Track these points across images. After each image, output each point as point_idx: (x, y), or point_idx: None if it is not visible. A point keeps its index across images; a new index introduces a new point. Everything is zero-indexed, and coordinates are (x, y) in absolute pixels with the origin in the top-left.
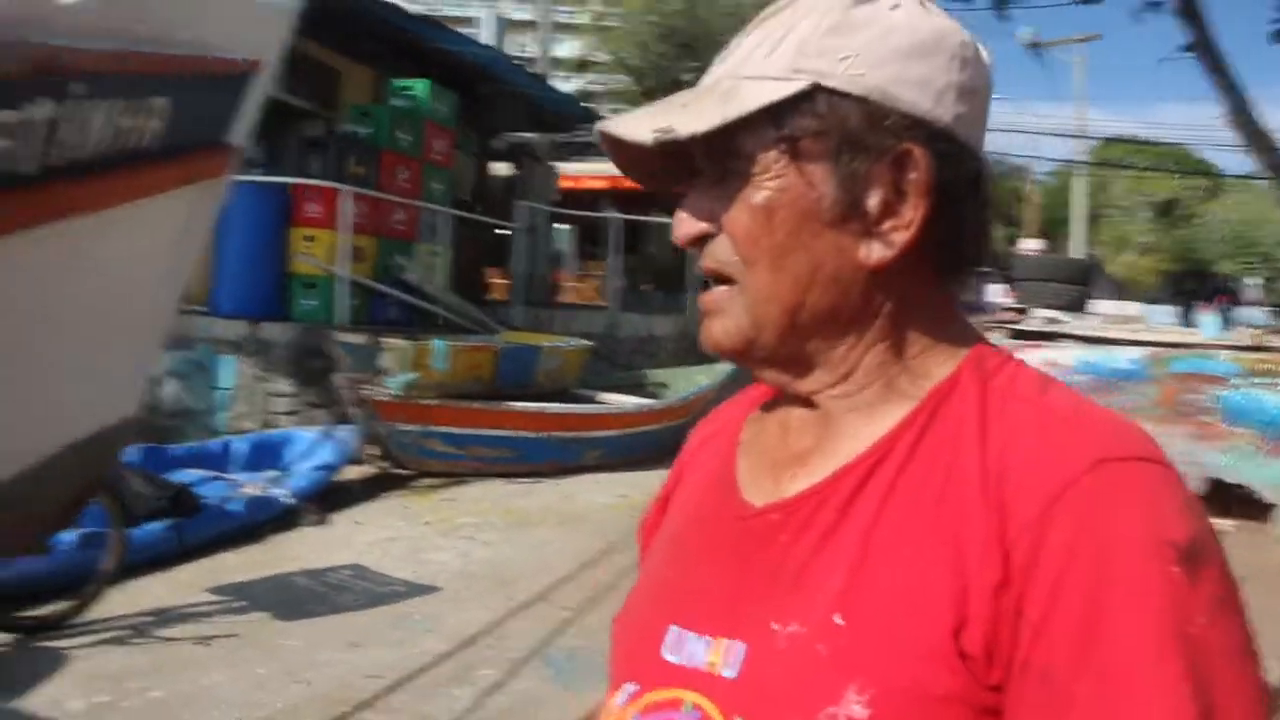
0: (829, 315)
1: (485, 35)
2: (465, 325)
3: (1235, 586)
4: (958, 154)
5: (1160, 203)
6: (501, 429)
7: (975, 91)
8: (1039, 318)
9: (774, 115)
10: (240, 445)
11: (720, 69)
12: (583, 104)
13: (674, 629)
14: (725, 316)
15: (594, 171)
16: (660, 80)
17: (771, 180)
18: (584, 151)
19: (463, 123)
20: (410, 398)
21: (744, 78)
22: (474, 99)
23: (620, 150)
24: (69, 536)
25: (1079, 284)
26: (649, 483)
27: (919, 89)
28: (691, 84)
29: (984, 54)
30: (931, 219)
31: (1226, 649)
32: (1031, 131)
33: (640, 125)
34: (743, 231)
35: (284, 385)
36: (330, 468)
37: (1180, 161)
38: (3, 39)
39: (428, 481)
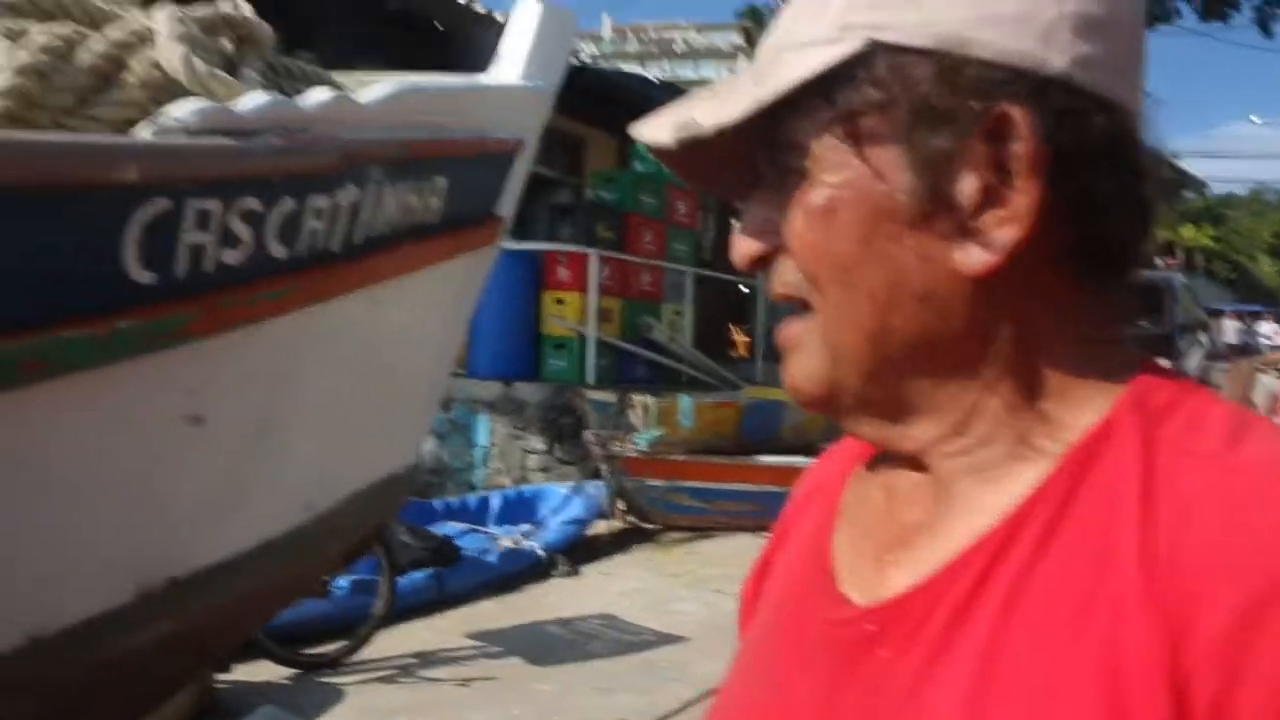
0: (924, 344)
1: None
2: (710, 382)
3: None
4: (1083, 109)
5: None
6: (748, 483)
7: (1108, 23)
8: None
9: (825, 91)
10: (496, 500)
11: (765, 43)
12: None
13: None
14: (803, 354)
15: None
16: None
17: (829, 174)
18: None
19: None
20: (657, 453)
21: (786, 48)
22: None
23: (677, 161)
24: (343, 582)
25: None
26: None
27: (1015, 28)
28: None
29: None
30: (1054, 203)
31: None
32: None
33: (663, 125)
34: (802, 243)
35: (536, 442)
36: (581, 522)
37: None
38: (318, 137)
39: (674, 535)
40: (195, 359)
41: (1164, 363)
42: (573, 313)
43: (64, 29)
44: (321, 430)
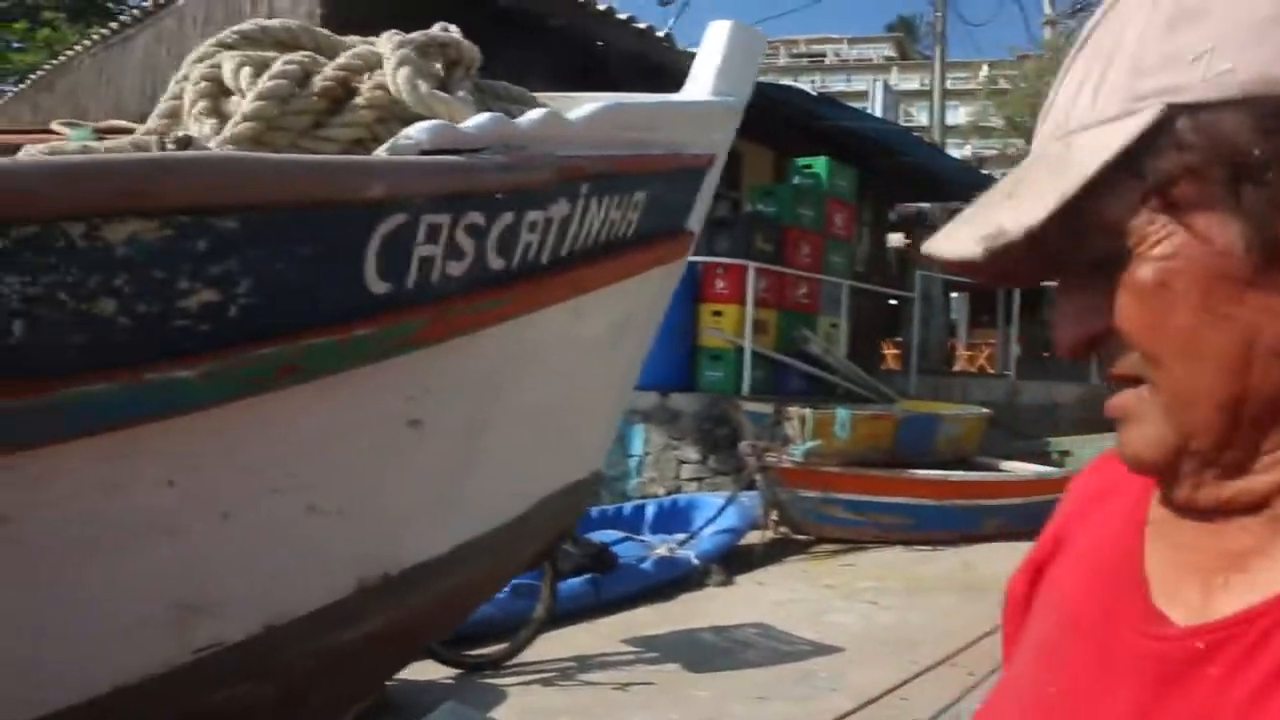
0: None
1: (876, 106)
2: (864, 394)
3: None
4: None
5: None
6: (902, 496)
7: None
8: None
9: (1130, 165)
10: (650, 509)
11: (1045, 128)
12: (979, 170)
13: None
14: (1142, 424)
15: None
16: None
17: (1153, 248)
18: None
19: (858, 195)
20: (811, 465)
21: (1073, 131)
22: (869, 171)
23: (967, 267)
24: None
25: None
26: None
27: None
28: None
29: None
30: None
31: None
32: None
33: (965, 238)
34: (1137, 324)
35: (691, 453)
36: (735, 532)
37: None
38: (535, 154)
39: (827, 547)
40: (416, 366)
41: None
42: (729, 325)
43: (299, 56)
44: (522, 436)
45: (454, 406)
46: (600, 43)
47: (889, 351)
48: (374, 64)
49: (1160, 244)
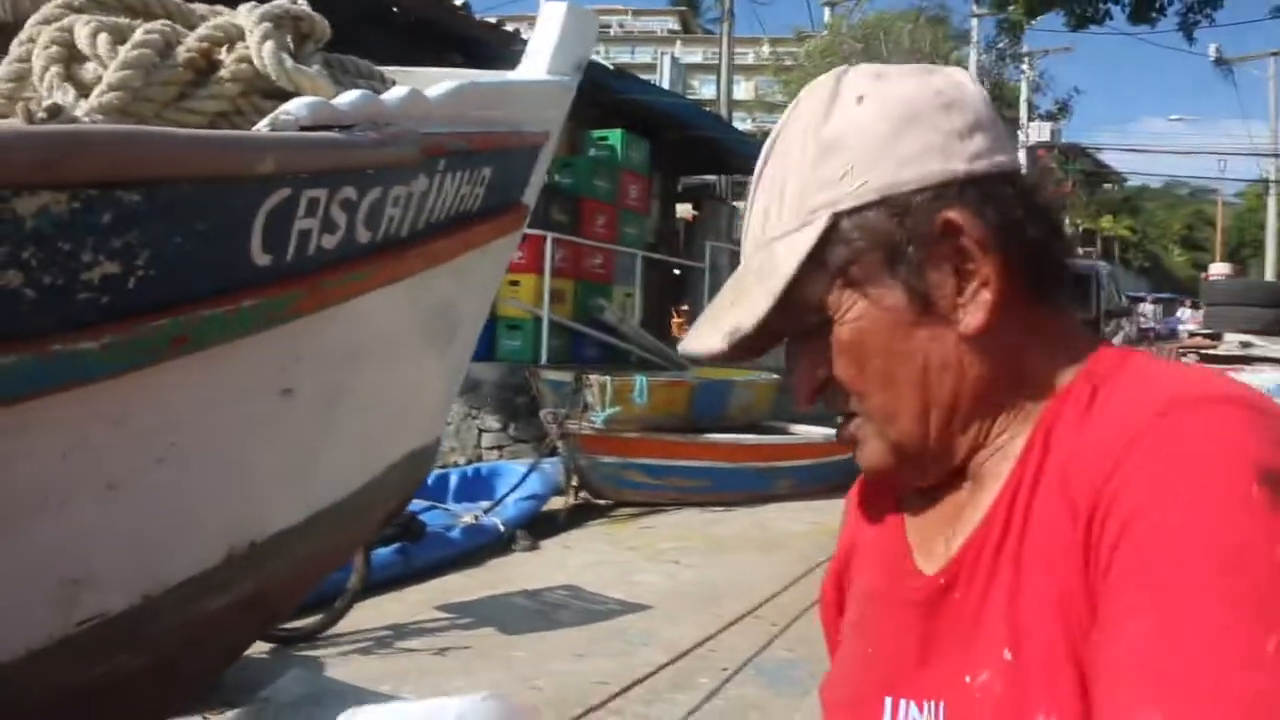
0: (956, 399)
1: (664, 79)
2: (658, 362)
3: None
4: (995, 185)
5: None
6: (698, 460)
7: (977, 119)
8: (1233, 342)
9: (816, 260)
10: (454, 477)
11: (747, 243)
12: (764, 143)
13: (889, 700)
14: (866, 445)
15: None
16: None
17: (845, 314)
18: None
19: (651, 167)
20: (611, 431)
21: (770, 241)
22: (660, 143)
23: (716, 357)
24: None
25: (1276, 307)
26: (840, 510)
27: (924, 158)
28: None
29: (961, 80)
30: (1007, 258)
31: None
32: (1219, 153)
33: (711, 337)
34: (846, 371)
35: (491, 421)
36: (538, 498)
37: None
38: (401, 131)
39: (627, 511)
40: (291, 336)
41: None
42: (527, 294)
43: (159, 25)
44: (374, 404)
45: (320, 375)
46: (395, 9)
47: (676, 320)
48: (235, 36)
49: (849, 311)
